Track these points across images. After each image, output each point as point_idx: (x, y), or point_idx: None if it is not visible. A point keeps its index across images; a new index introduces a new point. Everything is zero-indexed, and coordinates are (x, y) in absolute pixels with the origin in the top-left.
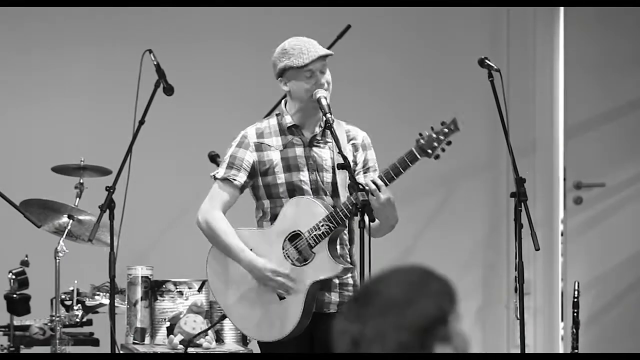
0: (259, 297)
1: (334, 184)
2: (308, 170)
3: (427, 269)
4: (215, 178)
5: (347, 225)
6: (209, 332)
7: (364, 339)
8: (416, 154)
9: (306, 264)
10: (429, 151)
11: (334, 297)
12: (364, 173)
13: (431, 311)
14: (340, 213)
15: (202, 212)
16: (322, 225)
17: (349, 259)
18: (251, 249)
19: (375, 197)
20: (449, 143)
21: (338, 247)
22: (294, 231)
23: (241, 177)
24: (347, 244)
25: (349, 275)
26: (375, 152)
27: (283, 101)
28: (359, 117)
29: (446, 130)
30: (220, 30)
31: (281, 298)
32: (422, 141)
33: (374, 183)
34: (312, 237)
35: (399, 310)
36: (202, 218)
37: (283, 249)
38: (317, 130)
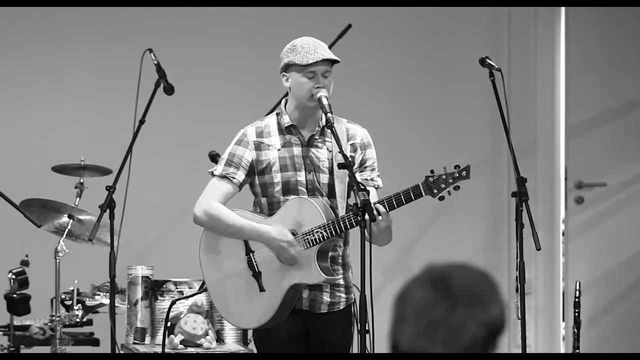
0: (240, 283)
1: (331, 185)
2: (305, 170)
3: (492, 276)
4: (212, 175)
5: (341, 237)
6: (210, 332)
7: (446, 325)
8: (422, 190)
9: (292, 264)
10: (435, 191)
11: (326, 297)
12: (361, 172)
13: (504, 317)
14: (337, 225)
15: (198, 205)
16: (317, 232)
17: (340, 260)
18: None
19: (375, 223)
20: (456, 188)
21: (328, 256)
22: (290, 230)
23: (239, 175)
24: (341, 244)
25: (341, 276)
26: (375, 151)
27: (283, 100)
28: (359, 117)
29: (457, 175)
30: (220, 29)
31: (261, 290)
32: (430, 179)
33: (377, 210)
34: (305, 240)
35: (483, 307)
36: (200, 210)
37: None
38: (316, 129)
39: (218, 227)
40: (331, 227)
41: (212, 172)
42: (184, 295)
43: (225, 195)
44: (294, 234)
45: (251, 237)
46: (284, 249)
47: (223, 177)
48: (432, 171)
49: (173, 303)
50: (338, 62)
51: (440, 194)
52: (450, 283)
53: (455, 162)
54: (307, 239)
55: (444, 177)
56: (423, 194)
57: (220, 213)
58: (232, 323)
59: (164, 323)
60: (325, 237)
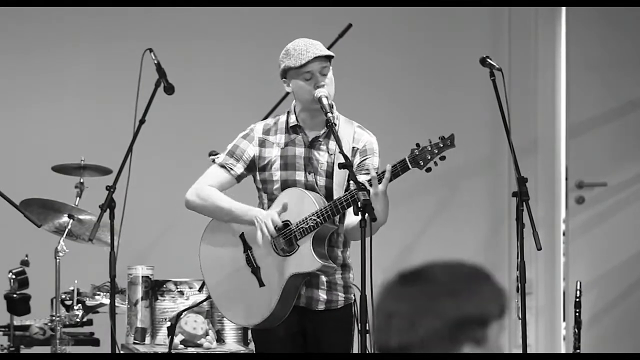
0: (241, 281)
1: (328, 188)
2: (305, 171)
3: (489, 273)
4: (214, 162)
5: (335, 223)
6: (210, 332)
7: (399, 316)
8: (408, 163)
9: (289, 255)
10: (421, 163)
11: (322, 294)
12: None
13: (472, 310)
14: (329, 210)
15: (191, 188)
16: (310, 220)
17: (340, 260)
18: (242, 232)
19: (372, 185)
20: (442, 158)
21: (325, 245)
22: (284, 221)
23: (238, 168)
24: (341, 246)
25: (339, 275)
26: (378, 159)
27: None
28: (359, 116)
29: (441, 145)
30: (221, 29)
31: (261, 285)
32: (416, 152)
33: (381, 173)
34: (299, 229)
35: (440, 299)
36: (192, 192)
37: (271, 236)
38: (322, 132)
39: (207, 208)
40: (324, 212)
41: (213, 159)
42: (185, 294)
43: (221, 183)
44: (287, 225)
45: (239, 218)
46: (261, 224)
47: (222, 166)
48: (417, 144)
49: (180, 313)
50: (333, 57)
51: (427, 166)
52: (420, 279)
53: (455, 162)
54: (301, 227)
55: (429, 148)
56: (410, 166)
57: (210, 194)
58: (236, 323)
59: (170, 329)
60: (319, 223)
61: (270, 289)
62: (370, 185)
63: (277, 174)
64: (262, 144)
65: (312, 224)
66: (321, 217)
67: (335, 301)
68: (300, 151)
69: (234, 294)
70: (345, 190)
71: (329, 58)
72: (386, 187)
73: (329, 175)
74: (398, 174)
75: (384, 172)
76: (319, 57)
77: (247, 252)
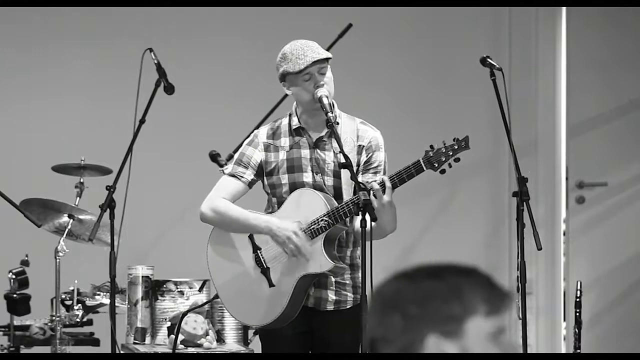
0: (250, 282)
1: (336, 187)
2: (312, 172)
3: (483, 274)
4: (223, 173)
5: (347, 224)
6: (210, 332)
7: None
8: (422, 165)
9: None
10: (435, 164)
11: (331, 295)
12: (362, 174)
13: (435, 303)
14: (340, 211)
15: (205, 202)
16: (321, 220)
17: (348, 260)
18: (251, 233)
19: (377, 197)
20: (457, 160)
21: (335, 245)
22: (295, 222)
23: (248, 175)
24: (350, 245)
25: (348, 275)
26: (384, 154)
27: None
28: (358, 116)
29: (456, 147)
30: (221, 29)
31: (271, 285)
32: (430, 154)
33: (381, 183)
34: (310, 230)
35: (403, 301)
36: (206, 206)
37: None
38: (325, 131)
39: (224, 221)
40: (335, 213)
41: (222, 170)
42: (185, 294)
43: (233, 193)
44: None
45: (257, 228)
46: (289, 239)
47: (232, 175)
48: (431, 146)
49: (184, 314)
50: (330, 57)
51: (441, 167)
52: (410, 279)
53: (456, 163)
54: (313, 228)
55: (444, 150)
56: (424, 168)
57: (226, 208)
58: (244, 323)
59: (173, 329)
60: (330, 225)
61: (280, 289)
62: (384, 192)
63: (284, 178)
64: (267, 148)
65: (323, 225)
66: (332, 219)
67: (344, 301)
68: (305, 153)
69: (243, 295)
70: (354, 190)
71: (326, 58)
72: (391, 196)
73: (337, 175)
74: (412, 176)
75: (392, 176)
76: (316, 61)
77: (256, 253)
